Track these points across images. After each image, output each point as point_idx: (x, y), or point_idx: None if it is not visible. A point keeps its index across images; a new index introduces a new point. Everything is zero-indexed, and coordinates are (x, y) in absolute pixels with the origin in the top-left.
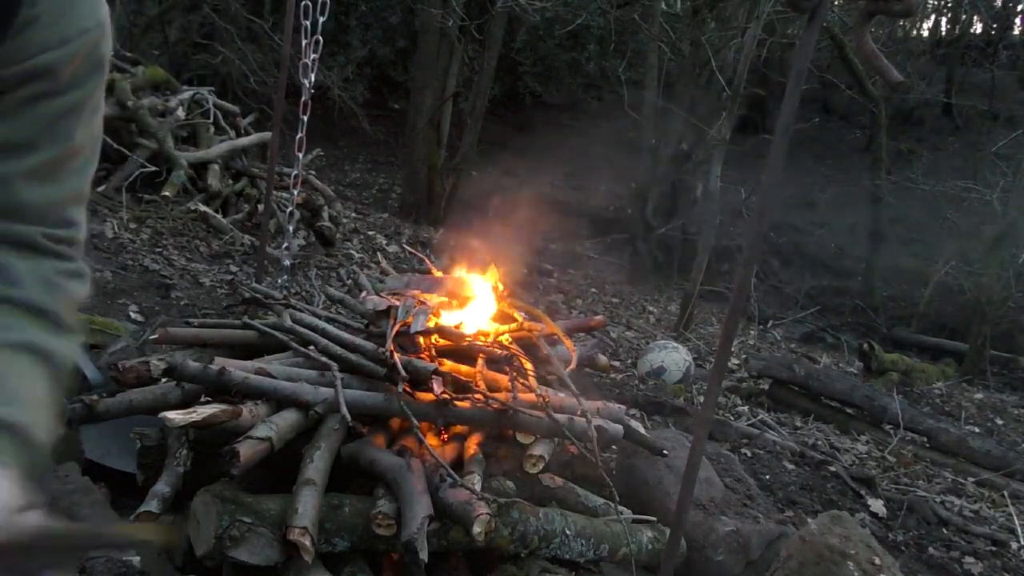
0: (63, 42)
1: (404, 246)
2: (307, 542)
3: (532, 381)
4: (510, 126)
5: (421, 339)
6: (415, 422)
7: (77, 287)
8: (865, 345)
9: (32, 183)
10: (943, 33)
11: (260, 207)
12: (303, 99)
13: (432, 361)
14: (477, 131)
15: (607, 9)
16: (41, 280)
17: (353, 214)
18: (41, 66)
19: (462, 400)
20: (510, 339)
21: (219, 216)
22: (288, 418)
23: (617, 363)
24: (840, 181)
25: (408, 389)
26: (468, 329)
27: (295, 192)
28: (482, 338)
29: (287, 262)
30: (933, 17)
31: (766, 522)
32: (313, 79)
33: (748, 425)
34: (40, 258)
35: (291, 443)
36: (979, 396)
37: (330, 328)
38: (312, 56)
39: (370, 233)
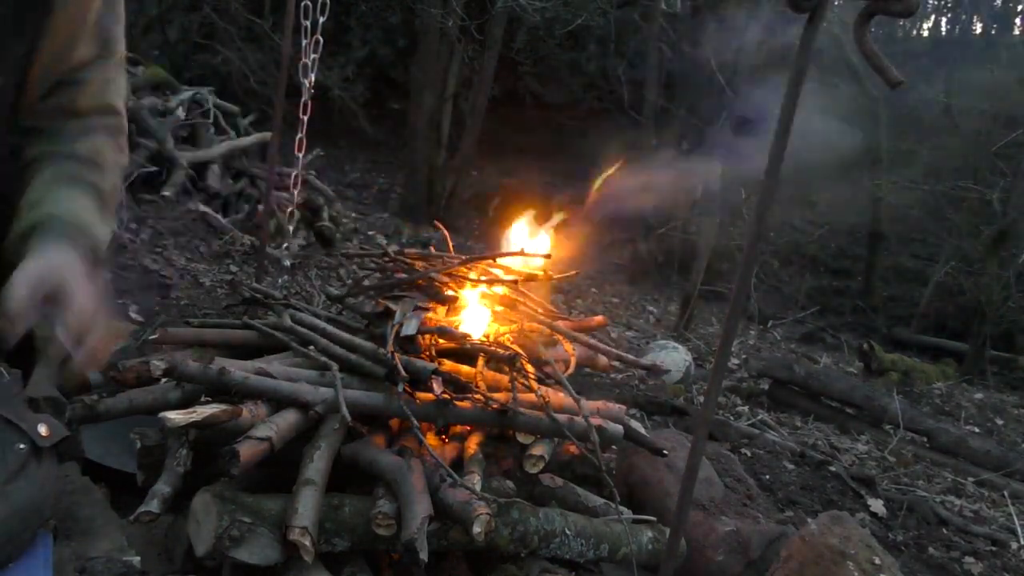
0: None
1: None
2: (307, 542)
3: (532, 381)
4: (510, 126)
5: (420, 339)
6: (415, 422)
7: (120, 156)
8: (865, 345)
9: (95, 88)
10: (943, 33)
11: (260, 207)
12: (303, 99)
13: (432, 361)
14: (477, 131)
15: (607, 9)
16: (82, 133)
17: (353, 214)
18: None
19: (462, 400)
20: (511, 339)
21: (219, 216)
22: (288, 418)
23: (617, 363)
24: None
25: (408, 389)
26: (467, 329)
27: (295, 192)
28: (483, 338)
29: (287, 262)
30: (933, 17)
31: (766, 522)
32: (313, 79)
33: (748, 425)
34: (94, 136)
35: (291, 443)
36: (979, 396)
37: (330, 328)
38: (312, 56)
39: (370, 233)
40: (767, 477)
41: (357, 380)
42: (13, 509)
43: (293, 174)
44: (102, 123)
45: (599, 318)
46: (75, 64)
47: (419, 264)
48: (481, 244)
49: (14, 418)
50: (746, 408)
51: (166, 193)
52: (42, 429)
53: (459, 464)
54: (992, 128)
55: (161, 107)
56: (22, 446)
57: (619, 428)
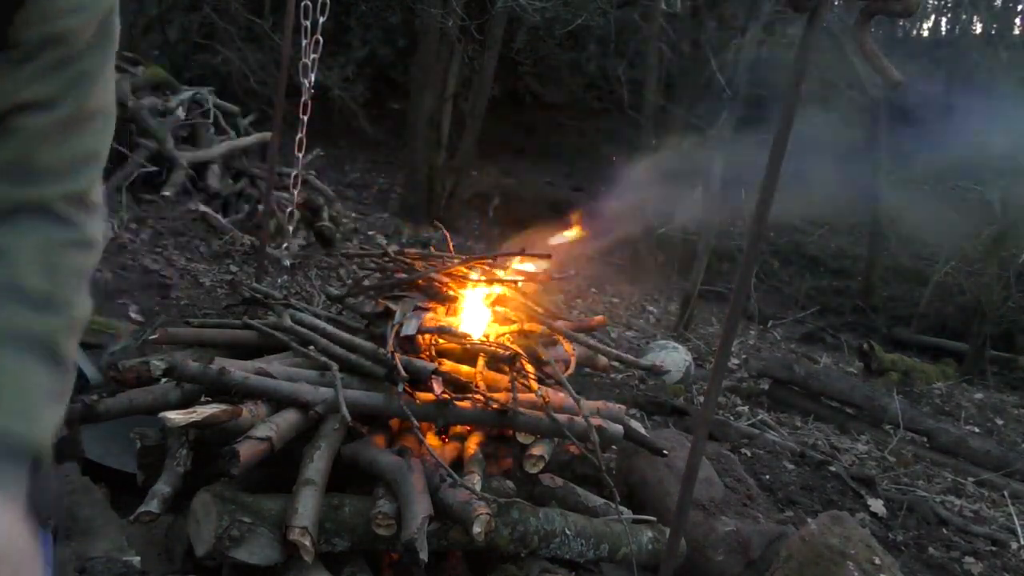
0: (80, 8)
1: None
2: (307, 542)
3: (532, 381)
4: (510, 126)
5: (420, 339)
6: (415, 422)
7: (82, 258)
8: (865, 345)
9: (52, 140)
10: (943, 33)
11: (260, 207)
12: (303, 99)
13: (432, 361)
14: (477, 131)
15: (607, 9)
16: (40, 256)
17: (353, 214)
18: (60, 30)
19: (462, 400)
20: (511, 339)
21: (219, 216)
22: (288, 418)
23: (617, 363)
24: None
25: (408, 389)
26: (467, 329)
27: (295, 192)
28: (483, 338)
29: (287, 262)
30: (933, 17)
31: (766, 522)
32: (313, 79)
33: (748, 425)
34: (47, 227)
35: (291, 443)
36: (979, 396)
37: (330, 328)
38: (312, 56)
39: (370, 233)
40: (767, 477)
41: (357, 380)
42: None
43: (293, 174)
44: (59, 194)
45: (599, 318)
46: (21, 103)
47: (419, 264)
48: (481, 244)
49: None
50: (746, 408)
51: (166, 193)
52: None
53: (459, 464)
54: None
55: (161, 107)
56: None
57: (619, 428)
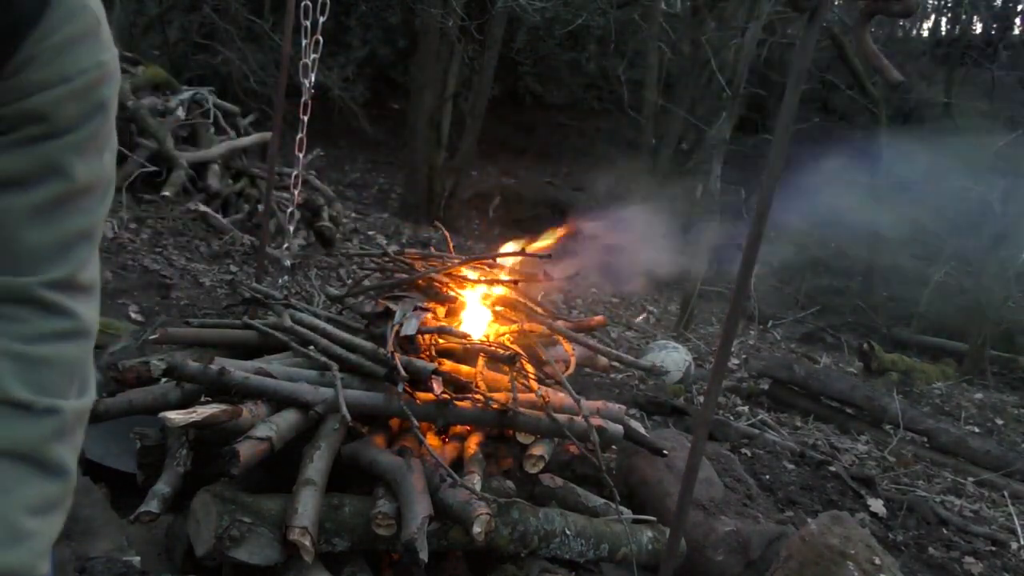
0: (61, 81)
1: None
2: (307, 542)
3: (532, 381)
4: (510, 126)
5: (420, 339)
6: (415, 422)
7: (74, 348)
8: (865, 345)
9: (33, 222)
10: (943, 33)
11: (260, 207)
12: (303, 99)
13: (432, 361)
14: (477, 131)
15: (607, 9)
16: (23, 356)
17: (353, 214)
18: (39, 106)
19: (462, 400)
20: (511, 339)
21: (219, 216)
22: (288, 418)
23: (617, 363)
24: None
25: (408, 389)
26: (467, 329)
27: (295, 192)
28: (483, 338)
29: (287, 262)
30: (933, 17)
31: (766, 522)
32: (313, 79)
33: (748, 425)
34: (32, 319)
35: (291, 443)
36: (979, 396)
37: (330, 328)
38: (312, 56)
39: (370, 233)
40: (767, 477)
41: (357, 380)
42: None
43: (293, 174)
44: (47, 281)
45: (599, 318)
46: None
47: (419, 264)
48: (481, 244)
49: None
50: (746, 408)
51: (166, 193)
52: None
53: (459, 464)
54: (992, 128)
55: (161, 107)
56: None
57: (619, 428)
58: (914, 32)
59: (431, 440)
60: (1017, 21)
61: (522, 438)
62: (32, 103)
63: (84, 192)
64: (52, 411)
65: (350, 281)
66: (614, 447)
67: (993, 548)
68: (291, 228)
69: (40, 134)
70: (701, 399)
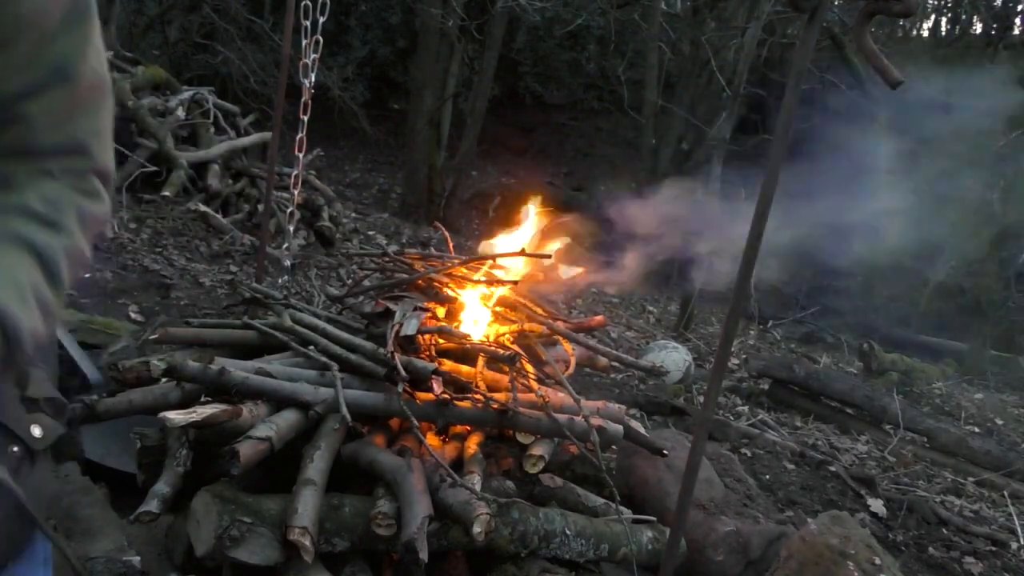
0: None
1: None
2: (307, 542)
3: (532, 381)
4: (510, 126)
5: (420, 339)
6: (415, 422)
7: (87, 201)
8: (865, 345)
9: (48, 122)
10: (943, 33)
11: (260, 207)
12: (303, 99)
13: (432, 361)
14: (477, 131)
15: (607, 9)
16: (46, 192)
17: (353, 214)
18: (29, 13)
19: (462, 400)
20: (511, 339)
21: (219, 216)
22: (288, 418)
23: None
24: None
25: (408, 389)
26: (467, 329)
27: (295, 192)
28: (483, 338)
29: (287, 262)
30: (933, 17)
31: (766, 522)
32: (313, 79)
33: (748, 425)
34: (52, 181)
35: (291, 443)
36: (979, 396)
37: (330, 328)
38: (312, 56)
39: (370, 233)
40: (767, 477)
41: (357, 380)
42: (6, 513)
43: (293, 174)
44: (62, 166)
45: (599, 318)
46: (8, 95)
47: (419, 264)
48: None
49: (6, 420)
50: (746, 408)
51: (166, 193)
52: (35, 431)
53: (459, 464)
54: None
55: (161, 107)
56: (15, 449)
57: (619, 428)
58: (914, 32)
59: (431, 440)
60: (1017, 21)
61: (522, 438)
62: (21, 11)
63: (91, 90)
64: (69, 232)
65: (350, 281)
66: (614, 447)
67: (993, 548)
68: (291, 228)
69: (37, 39)
70: (701, 399)
